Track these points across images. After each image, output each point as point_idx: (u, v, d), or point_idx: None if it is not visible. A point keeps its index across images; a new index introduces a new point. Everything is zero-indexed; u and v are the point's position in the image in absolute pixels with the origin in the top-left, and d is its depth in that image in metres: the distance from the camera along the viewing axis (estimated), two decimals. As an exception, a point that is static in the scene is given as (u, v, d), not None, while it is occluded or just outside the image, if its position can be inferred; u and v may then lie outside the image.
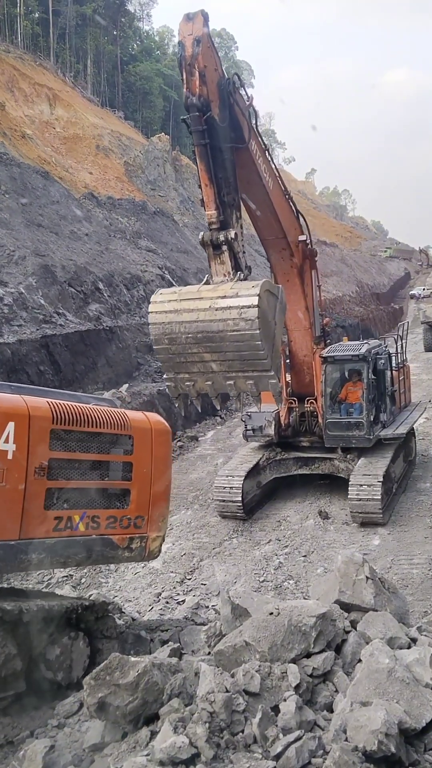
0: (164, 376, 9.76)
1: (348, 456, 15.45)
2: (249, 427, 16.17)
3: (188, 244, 43.01)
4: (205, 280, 9.72)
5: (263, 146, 11.89)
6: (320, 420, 15.62)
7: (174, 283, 34.80)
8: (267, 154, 11.99)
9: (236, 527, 14.86)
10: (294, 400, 16.14)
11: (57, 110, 54.60)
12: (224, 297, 8.82)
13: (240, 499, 14.88)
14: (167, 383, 9.72)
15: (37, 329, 22.84)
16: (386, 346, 17.19)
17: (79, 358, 22.79)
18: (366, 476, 14.13)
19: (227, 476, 15.27)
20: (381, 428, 15.54)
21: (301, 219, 14.14)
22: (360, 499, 13.94)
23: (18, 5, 66.31)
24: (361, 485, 14.01)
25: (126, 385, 23.66)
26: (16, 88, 50.49)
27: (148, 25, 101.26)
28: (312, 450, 16.05)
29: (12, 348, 20.64)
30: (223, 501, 15.16)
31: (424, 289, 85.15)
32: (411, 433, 17.43)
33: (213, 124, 9.51)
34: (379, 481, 13.90)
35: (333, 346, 16.21)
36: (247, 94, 10.83)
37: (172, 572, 12.63)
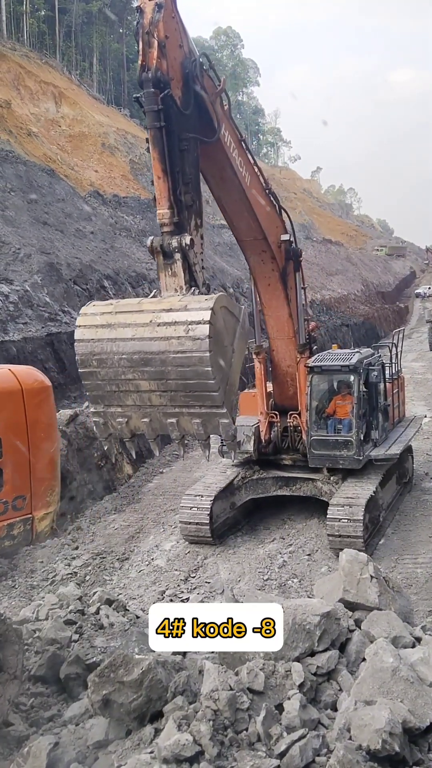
0: (91, 409, 8.11)
1: (332, 478, 13.76)
2: (225, 443, 14.89)
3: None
4: (152, 294, 8.35)
5: (239, 136, 10.59)
6: (304, 434, 14.03)
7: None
8: (243, 144, 10.70)
9: (241, 524, 14.82)
10: (276, 414, 14.49)
11: (63, 108, 54.57)
12: (169, 310, 7.38)
13: (208, 523, 13.26)
14: (94, 419, 8.09)
15: (43, 327, 22.86)
16: (380, 356, 15.51)
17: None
18: (348, 502, 12.44)
19: (195, 496, 13.54)
20: (372, 447, 13.86)
21: (284, 215, 12.78)
22: (338, 530, 12.18)
23: (24, 3, 66.30)
24: (340, 512, 12.27)
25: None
26: (22, 86, 50.48)
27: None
28: (294, 469, 14.37)
29: (17, 346, 20.68)
30: (188, 524, 13.46)
31: (429, 288, 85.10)
32: (407, 452, 15.73)
33: (171, 105, 8.16)
34: (361, 510, 12.16)
35: (320, 354, 14.57)
36: (217, 77, 9.69)
37: (176, 570, 12.63)
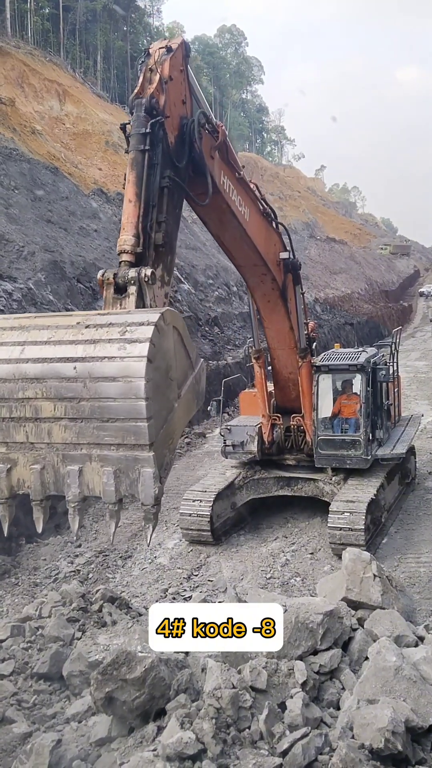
0: None
1: (334, 478, 13.70)
2: (228, 443, 14.26)
3: (197, 240, 42.90)
4: None
5: (237, 174, 9.78)
6: (308, 437, 13.97)
7: (182, 280, 34.77)
8: (240, 179, 9.90)
9: (243, 524, 14.82)
10: (278, 417, 14.38)
11: (67, 106, 54.57)
12: (106, 314, 6.11)
13: (208, 524, 13.17)
14: None
15: (46, 325, 22.86)
16: (383, 355, 15.37)
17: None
18: (348, 508, 12.21)
19: (194, 500, 13.36)
20: (377, 447, 13.80)
21: (282, 229, 12.18)
22: (340, 538, 11.97)
23: (28, 1, 66.35)
24: (341, 521, 12.07)
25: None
26: (26, 83, 50.48)
27: (158, 21, 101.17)
28: (297, 469, 14.30)
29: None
30: (189, 528, 13.38)
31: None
32: (410, 451, 15.59)
33: (161, 137, 7.39)
34: (362, 517, 11.96)
35: (327, 353, 14.56)
36: (215, 129, 8.82)
37: (179, 568, 12.64)
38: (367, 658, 6.25)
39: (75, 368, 5.54)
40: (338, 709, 5.88)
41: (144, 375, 5.33)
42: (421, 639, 6.87)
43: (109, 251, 31.64)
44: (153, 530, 5.81)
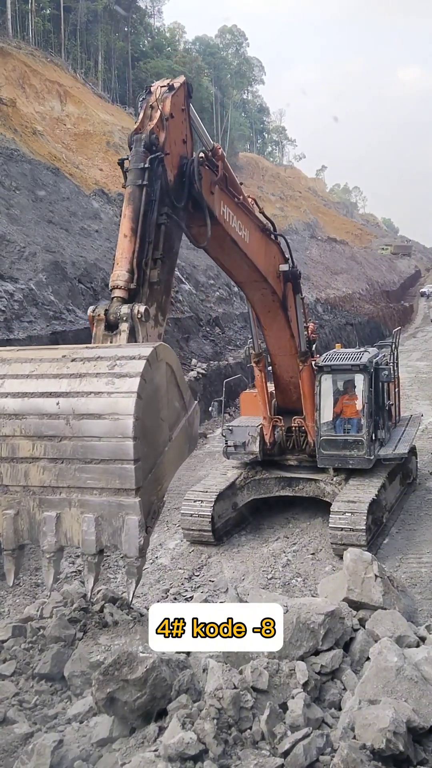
0: None
1: (335, 478, 13.70)
2: (230, 443, 14.29)
3: (198, 240, 43.00)
4: None
5: (237, 199, 9.66)
6: (310, 438, 14.01)
7: (183, 280, 34.75)
8: (240, 203, 9.77)
9: (244, 524, 14.82)
10: (279, 418, 14.40)
11: (68, 107, 54.59)
12: (95, 348, 5.80)
13: (209, 524, 13.18)
14: None
15: (47, 325, 22.90)
16: (384, 355, 15.31)
17: (89, 355, 22.83)
18: (349, 508, 12.21)
19: (195, 500, 13.35)
20: (379, 447, 13.85)
21: (282, 241, 12.06)
22: (341, 530, 11.99)
23: (29, 2, 66.32)
24: (342, 521, 12.06)
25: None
26: (27, 84, 50.49)
27: (159, 22, 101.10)
28: (298, 470, 14.34)
29: (22, 344, 20.69)
30: (190, 529, 13.37)
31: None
32: (411, 451, 15.58)
33: (160, 173, 7.25)
34: (363, 518, 11.95)
35: (329, 353, 14.52)
36: (216, 167, 8.72)
37: (180, 569, 12.64)
38: (368, 659, 6.24)
39: (58, 404, 5.14)
40: (340, 709, 5.88)
41: (133, 412, 4.94)
42: (423, 639, 6.86)
43: (110, 252, 31.63)
44: (136, 586, 5.44)
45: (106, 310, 6.40)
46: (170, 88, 7.77)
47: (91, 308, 6.56)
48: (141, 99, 7.92)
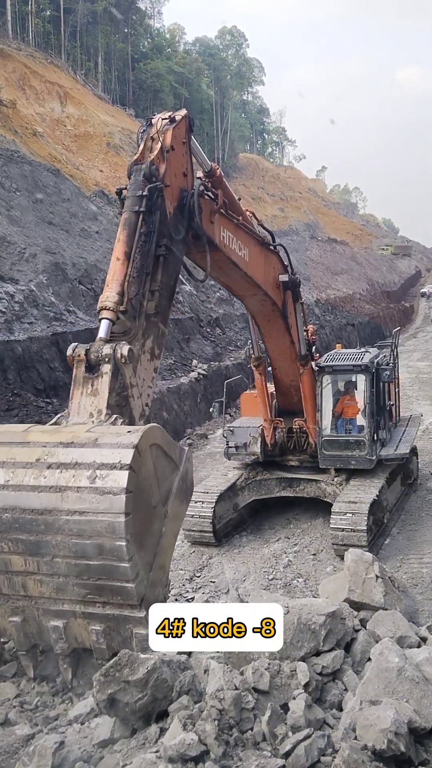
0: None
1: (336, 479, 13.69)
2: (231, 444, 14.28)
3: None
4: (54, 419, 6.14)
5: (237, 221, 9.56)
6: (311, 439, 14.01)
7: (184, 282, 34.74)
8: (239, 224, 9.68)
9: (245, 525, 14.82)
10: (280, 420, 14.39)
11: (68, 108, 54.63)
12: (69, 445, 5.21)
13: (210, 525, 13.20)
14: None
15: (48, 327, 22.92)
16: (385, 356, 15.32)
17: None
18: (350, 509, 12.19)
19: (196, 501, 12.97)
20: (380, 447, 13.86)
21: (281, 250, 12.00)
22: (342, 539, 11.94)
23: (29, 3, 66.37)
24: (343, 522, 12.04)
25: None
26: (28, 86, 50.53)
27: (159, 23, 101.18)
28: (299, 470, 14.35)
29: (23, 345, 20.72)
30: (191, 530, 13.29)
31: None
32: (412, 452, 15.53)
33: (158, 206, 7.16)
34: (364, 518, 11.94)
35: (330, 354, 14.53)
36: (215, 195, 8.67)
37: (181, 569, 12.63)
38: (369, 660, 6.23)
39: (41, 522, 4.86)
40: (341, 710, 5.87)
41: (124, 533, 4.68)
42: (424, 640, 6.85)
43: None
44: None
45: (87, 350, 6.11)
46: (171, 120, 7.74)
47: (71, 347, 6.23)
48: (141, 131, 7.85)
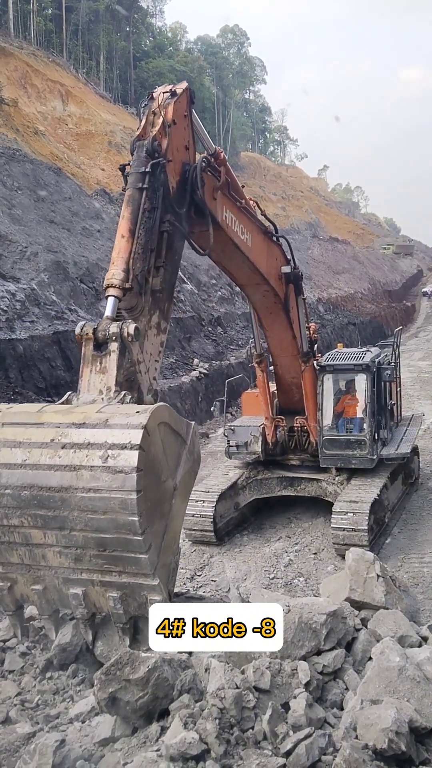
0: None
1: (337, 478, 13.69)
2: (232, 443, 14.30)
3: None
4: (65, 397, 6.25)
5: (239, 203, 9.55)
6: (312, 438, 13.99)
7: (186, 281, 34.75)
8: (242, 207, 9.67)
9: (246, 524, 14.82)
10: (281, 418, 14.38)
11: (70, 107, 54.61)
12: (81, 425, 5.42)
13: (211, 524, 13.21)
14: None
15: (49, 325, 22.92)
16: (386, 355, 15.30)
17: (91, 354, 22.85)
18: (351, 508, 12.18)
19: (197, 500, 13.08)
20: (381, 446, 13.85)
21: (284, 242, 12.00)
22: (343, 530, 11.98)
23: (31, 2, 66.38)
24: (344, 521, 12.03)
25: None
26: (29, 84, 50.50)
27: (161, 21, 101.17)
28: (301, 469, 14.34)
29: (24, 344, 20.73)
30: (192, 529, 13.26)
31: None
32: (413, 451, 15.45)
33: (162, 179, 7.16)
34: (365, 518, 11.94)
35: (331, 353, 14.57)
36: (218, 172, 8.64)
37: (182, 568, 12.60)
38: (370, 659, 6.24)
39: (59, 499, 5.16)
40: (342, 709, 5.88)
41: (137, 509, 4.94)
42: (425, 639, 6.85)
43: (111, 252, 31.69)
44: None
45: (95, 328, 6.24)
46: (173, 94, 7.71)
47: (79, 325, 6.39)
48: (143, 105, 7.85)
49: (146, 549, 5.15)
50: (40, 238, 27.45)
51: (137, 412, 5.45)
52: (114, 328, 6.18)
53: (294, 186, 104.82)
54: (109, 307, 6.59)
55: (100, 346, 6.21)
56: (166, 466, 5.62)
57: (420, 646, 6.63)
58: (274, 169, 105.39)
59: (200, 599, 7.62)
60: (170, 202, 7.41)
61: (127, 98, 76.38)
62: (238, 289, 39.12)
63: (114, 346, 6.14)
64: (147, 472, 5.13)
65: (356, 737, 5.23)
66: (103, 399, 5.93)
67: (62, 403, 6.13)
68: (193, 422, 6.42)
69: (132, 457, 5.02)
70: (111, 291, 6.56)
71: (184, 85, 8.09)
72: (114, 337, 6.15)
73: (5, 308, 21.85)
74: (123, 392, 6.02)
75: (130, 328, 6.18)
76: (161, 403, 5.83)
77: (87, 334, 6.23)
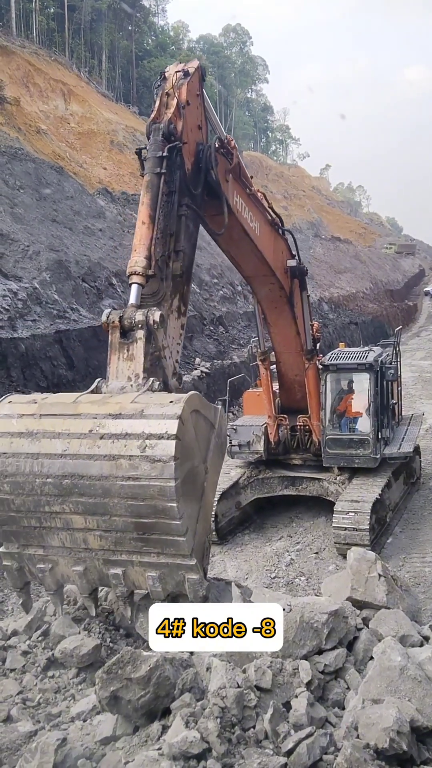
0: (1, 549, 6.15)
1: (338, 477, 13.69)
2: (235, 443, 14.19)
3: (201, 239, 42.81)
4: (94, 385, 6.35)
5: (249, 190, 9.63)
6: (314, 436, 13.99)
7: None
8: (251, 194, 9.77)
9: (247, 523, 14.82)
10: (284, 417, 14.35)
11: (72, 106, 54.58)
12: (118, 416, 5.60)
13: (213, 523, 12.79)
14: (5, 562, 6.17)
15: (51, 324, 22.89)
16: (388, 354, 15.21)
17: (93, 354, 22.79)
18: (353, 508, 12.17)
19: None
20: (384, 445, 13.80)
21: (289, 237, 12.01)
22: (345, 529, 11.98)
23: (33, 0, 66.42)
24: (346, 521, 12.03)
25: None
26: (31, 83, 50.49)
27: (163, 20, 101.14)
28: (302, 469, 14.35)
29: (26, 343, 20.71)
30: None
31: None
32: (414, 451, 15.38)
33: (178, 162, 7.23)
34: (366, 518, 11.93)
35: (334, 352, 14.57)
36: (229, 153, 8.67)
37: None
38: (371, 658, 6.24)
39: (99, 487, 5.42)
40: (343, 708, 5.88)
41: (175, 495, 5.23)
42: (426, 639, 6.86)
43: (114, 251, 31.66)
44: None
45: (121, 316, 6.35)
46: (185, 73, 7.72)
47: (105, 313, 6.49)
48: (156, 85, 7.86)
49: (184, 532, 5.39)
50: (42, 237, 27.43)
51: (171, 402, 5.64)
52: (140, 315, 6.31)
53: (296, 185, 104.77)
54: (133, 294, 6.67)
55: (126, 333, 6.36)
56: (198, 451, 5.84)
57: (421, 645, 6.64)
58: (276, 169, 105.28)
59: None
60: (186, 184, 7.46)
61: (129, 97, 76.42)
62: (240, 288, 39.17)
63: (140, 333, 6.29)
64: (182, 460, 5.35)
65: (357, 737, 5.24)
66: (132, 386, 6.14)
67: (92, 391, 6.28)
68: (219, 406, 6.60)
69: (169, 447, 5.24)
70: (134, 278, 6.66)
71: (195, 63, 8.09)
72: (140, 325, 6.30)
73: (7, 307, 21.84)
74: (151, 378, 6.19)
75: (156, 315, 6.32)
76: (193, 392, 5.98)
77: (113, 322, 6.37)
